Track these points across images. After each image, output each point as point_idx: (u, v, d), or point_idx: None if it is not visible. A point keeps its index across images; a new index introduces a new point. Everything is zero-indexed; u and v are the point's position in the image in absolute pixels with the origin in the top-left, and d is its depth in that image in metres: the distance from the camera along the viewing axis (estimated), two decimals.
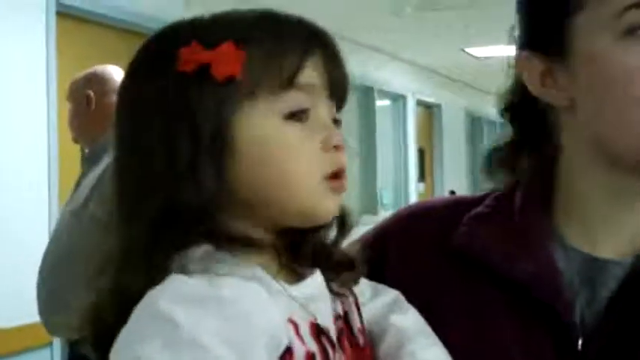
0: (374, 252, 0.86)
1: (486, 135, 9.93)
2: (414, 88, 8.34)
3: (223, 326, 0.59)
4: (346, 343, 0.73)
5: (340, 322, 0.74)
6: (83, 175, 2.14)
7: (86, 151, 2.48)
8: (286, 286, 0.68)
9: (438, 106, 9.11)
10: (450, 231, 0.88)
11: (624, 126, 0.76)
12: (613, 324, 0.79)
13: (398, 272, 0.89)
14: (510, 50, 0.88)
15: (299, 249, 0.72)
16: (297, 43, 0.70)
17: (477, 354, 0.81)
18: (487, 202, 0.90)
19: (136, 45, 0.73)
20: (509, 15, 0.88)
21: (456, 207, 0.92)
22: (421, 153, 8.82)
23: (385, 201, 7.58)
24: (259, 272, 0.66)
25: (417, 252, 0.90)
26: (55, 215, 3.37)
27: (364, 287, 0.82)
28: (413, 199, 8.05)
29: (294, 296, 0.68)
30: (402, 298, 0.83)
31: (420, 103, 8.59)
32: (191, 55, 0.67)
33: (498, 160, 0.92)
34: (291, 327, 0.66)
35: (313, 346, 0.67)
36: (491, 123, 9.66)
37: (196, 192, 0.65)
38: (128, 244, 0.66)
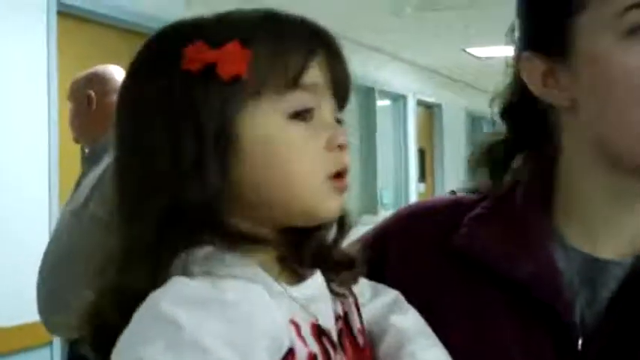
0: (374, 252, 0.86)
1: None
2: (414, 88, 8.34)
3: (226, 328, 0.59)
4: (347, 344, 0.73)
5: (340, 323, 0.74)
6: (83, 174, 2.14)
7: (86, 150, 2.48)
8: (287, 287, 0.68)
9: (439, 106, 9.11)
10: (450, 231, 0.88)
11: (626, 126, 0.76)
12: (613, 324, 0.78)
13: (398, 272, 0.89)
14: (511, 50, 0.88)
15: (300, 250, 0.72)
16: (302, 42, 0.70)
17: (477, 354, 0.81)
18: (487, 202, 0.90)
19: (137, 45, 0.73)
20: (509, 15, 0.88)
21: (457, 207, 0.92)
22: (421, 153, 8.82)
23: (385, 201, 7.58)
24: (261, 274, 0.66)
25: (417, 252, 0.90)
26: (56, 215, 3.37)
27: (364, 288, 0.82)
28: (413, 199, 8.04)
29: (295, 297, 0.68)
30: (401, 298, 0.83)
31: (420, 103, 8.59)
32: (197, 54, 0.67)
33: (491, 158, 0.92)
34: (292, 328, 0.66)
35: (315, 347, 0.67)
36: (492, 123, 9.63)
37: (201, 190, 0.65)
38: (129, 244, 0.66)
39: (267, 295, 0.64)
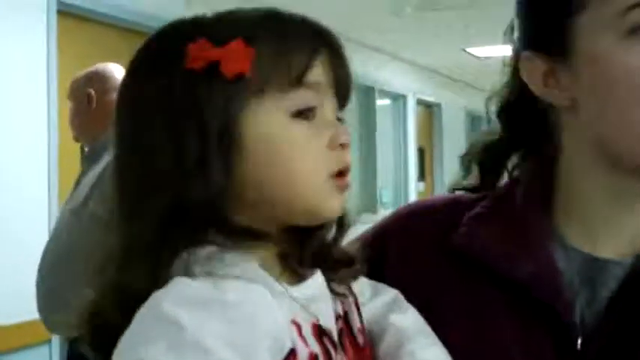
0: (373, 251, 0.86)
1: None
2: (414, 87, 8.34)
3: (227, 329, 0.59)
4: (347, 344, 0.73)
5: (340, 322, 0.74)
6: (83, 173, 2.14)
7: (86, 149, 2.48)
8: (288, 287, 0.68)
9: (438, 105, 9.11)
10: (450, 230, 0.88)
11: (626, 126, 0.76)
12: (613, 324, 0.78)
13: (397, 271, 0.89)
14: (510, 50, 0.88)
15: (301, 250, 0.72)
16: (305, 41, 0.70)
17: (476, 354, 0.81)
18: (487, 201, 0.90)
19: (137, 44, 0.73)
20: (509, 15, 0.87)
21: (456, 206, 0.92)
22: (421, 152, 8.82)
23: (385, 200, 7.58)
24: (263, 274, 0.66)
25: (417, 251, 0.90)
26: (55, 213, 3.37)
27: (364, 287, 0.82)
28: (413, 198, 8.04)
29: (296, 297, 0.68)
30: (401, 297, 0.83)
31: (420, 102, 8.59)
32: (200, 53, 0.67)
33: (486, 157, 0.92)
34: (294, 328, 0.66)
35: (316, 348, 0.67)
36: (488, 122, 9.60)
37: (205, 188, 0.65)
38: (129, 242, 0.66)
39: (269, 295, 0.64)
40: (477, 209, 0.89)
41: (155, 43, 0.72)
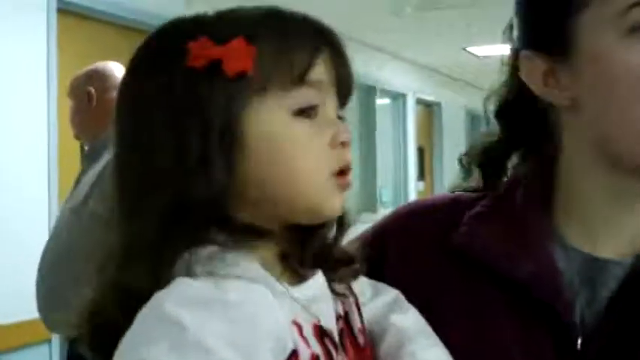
0: (373, 250, 0.86)
1: None
2: (415, 87, 8.34)
3: (229, 329, 0.59)
4: (348, 344, 0.73)
5: (341, 323, 0.74)
6: (83, 172, 2.14)
7: (86, 147, 2.48)
8: (289, 287, 0.68)
9: (438, 104, 9.10)
10: (450, 230, 0.88)
11: (627, 124, 0.76)
12: (613, 324, 0.78)
13: (397, 271, 0.89)
14: (510, 50, 0.88)
15: (302, 250, 0.72)
16: (307, 39, 0.70)
17: (476, 354, 0.81)
18: (487, 201, 0.90)
19: (137, 42, 0.73)
20: (510, 14, 0.87)
21: (456, 205, 0.92)
22: (421, 151, 8.81)
23: (384, 199, 7.58)
24: (264, 274, 0.66)
25: (417, 250, 0.90)
26: (55, 212, 3.37)
27: (365, 287, 0.82)
28: (412, 197, 8.04)
29: (297, 298, 0.68)
30: (402, 297, 0.83)
31: (419, 101, 8.59)
32: (201, 51, 0.67)
33: (486, 158, 0.92)
34: (295, 329, 0.65)
35: (317, 349, 0.67)
36: (487, 121, 9.59)
37: (207, 187, 0.65)
38: (130, 241, 0.66)
39: (270, 295, 0.64)
40: (478, 208, 0.89)
41: (155, 41, 0.72)
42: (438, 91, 8.92)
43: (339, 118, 0.73)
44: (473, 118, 9.87)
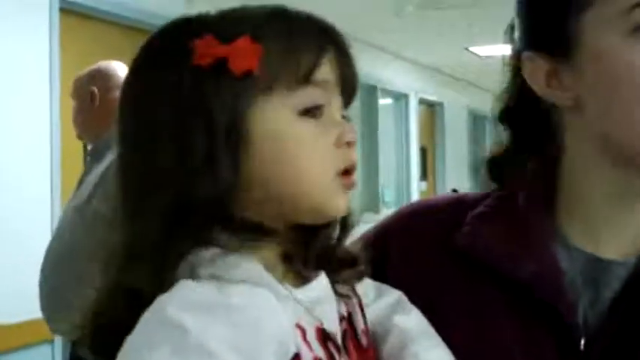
0: (375, 250, 0.85)
1: (489, 134, 9.91)
2: (417, 86, 8.34)
3: (232, 333, 0.59)
4: (351, 346, 0.73)
5: (344, 324, 0.74)
6: (86, 171, 2.14)
7: (89, 147, 2.48)
8: (292, 289, 0.68)
9: (441, 104, 9.10)
10: (453, 230, 0.88)
11: (630, 125, 0.75)
12: (616, 324, 0.78)
13: (399, 271, 0.89)
14: (512, 50, 0.88)
15: (305, 250, 0.71)
16: (312, 39, 0.70)
17: (478, 354, 0.81)
18: (490, 201, 0.89)
19: (140, 41, 0.72)
20: (512, 14, 0.87)
21: (459, 205, 0.91)
22: (423, 151, 8.81)
23: (387, 199, 7.58)
24: (267, 276, 0.66)
25: (419, 250, 0.90)
26: (57, 212, 3.38)
27: (368, 288, 0.82)
28: (415, 197, 8.03)
29: (300, 300, 0.68)
30: (405, 298, 0.83)
31: (422, 101, 8.59)
32: (207, 49, 0.66)
33: (499, 168, 0.91)
34: (298, 332, 0.65)
35: (320, 352, 0.67)
36: (494, 123, 9.59)
37: (213, 185, 0.65)
38: (132, 241, 0.66)
39: (273, 299, 0.64)
40: (480, 208, 0.89)
41: (159, 40, 0.72)
42: (440, 91, 8.92)
43: (344, 117, 0.73)
44: (475, 118, 9.87)
